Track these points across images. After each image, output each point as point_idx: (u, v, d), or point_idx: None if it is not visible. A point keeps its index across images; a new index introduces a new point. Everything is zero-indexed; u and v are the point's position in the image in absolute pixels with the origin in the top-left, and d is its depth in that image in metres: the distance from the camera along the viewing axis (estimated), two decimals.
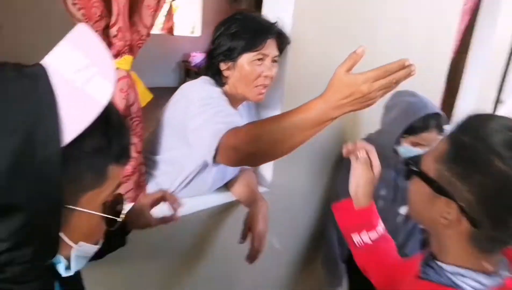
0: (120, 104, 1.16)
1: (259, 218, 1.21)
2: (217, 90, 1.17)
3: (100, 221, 0.52)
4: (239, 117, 1.14)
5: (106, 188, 0.50)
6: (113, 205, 0.54)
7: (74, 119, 0.43)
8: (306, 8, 1.33)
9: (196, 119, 1.07)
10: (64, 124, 0.42)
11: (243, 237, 1.20)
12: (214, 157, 0.98)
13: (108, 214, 0.52)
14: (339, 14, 1.47)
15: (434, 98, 2.35)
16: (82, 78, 0.44)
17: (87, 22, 1.06)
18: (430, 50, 2.10)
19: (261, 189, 1.47)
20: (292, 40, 1.30)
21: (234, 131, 0.96)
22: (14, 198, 0.41)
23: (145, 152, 1.30)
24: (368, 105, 0.79)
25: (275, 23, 1.22)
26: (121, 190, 0.55)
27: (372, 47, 1.66)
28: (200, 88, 1.18)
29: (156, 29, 6.38)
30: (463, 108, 3.00)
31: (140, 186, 1.29)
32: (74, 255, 0.51)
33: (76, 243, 0.50)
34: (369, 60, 1.81)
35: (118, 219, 0.54)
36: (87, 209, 0.49)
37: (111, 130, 0.48)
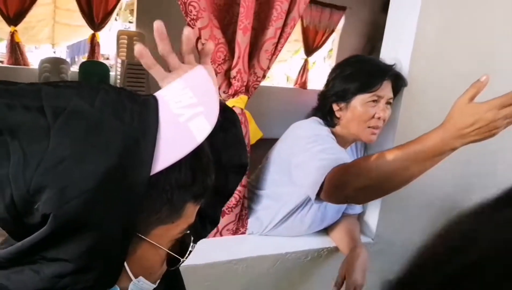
0: None
1: (356, 266, 1.13)
2: (325, 129, 1.19)
3: (164, 259, 0.51)
4: (347, 155, 1.13)
5: (179, 225, 0.48)
6: (180, 244, 0.52)
7: (169, 150, 0.43)
8: (425, 51, 1.27)
9: (302, 155, 1.10)
10: (159, 153, 0.43)
11: (337, 285, 1.13)
12: (318, 194, 0.97)
13: (174, 253, 0.50)
14: (460, 57, 1.36)
15: None
16: (187, 114, 0.46)
17: (212, 64, 1.21)
18: None
19: (364, 239, 1.38)
20: (409, 82, 1.26)
21: (343, 166, 0.96)
22: (91, 217, 0.40)
23: (251, 186, 1.36)
24: (492, 135, 0.75)
25: (392, 65, 1.21)
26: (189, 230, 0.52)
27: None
28: (308, 126, 1.22)
29: (291, 84, 6.76)
30: None
31: (241, 219, 1.35)
32: (130, 289, 0.49)
33: (136, 276, 0.48)
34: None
35: (182, 259, 0.52)
36: (156, 243, 0.47)
37: (198, 169, 0.48)
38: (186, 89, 0.48)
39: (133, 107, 0.43)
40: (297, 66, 6.69)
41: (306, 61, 6.39)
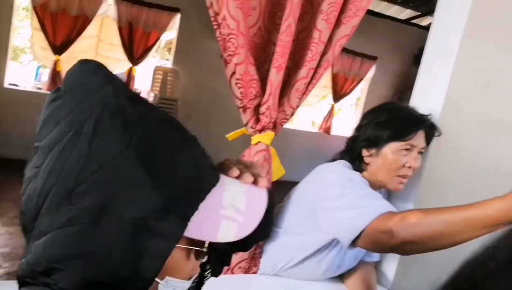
0: None
1: None
2: (357, 174, 1.17)
3: (186, 255, 0.51)
4: (389, 203, 1.09)
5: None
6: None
7: (193, 226, 0.46)
8: (456, 103, 1.28)
9: (338, 200, 1.07)
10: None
11: None
12: (354, 240, 0.96)
13: (192, 246, 0.50)
14: (490, 109, 1.36)
15: None
16: (228, 213, 0.48)
17: (243, 99, 1.24)
18: None
19: (380, 289, 1.32)
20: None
21: (391, 214, 0.93)
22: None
23: None
24: None
25: (428, 115, 1.21)
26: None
27: None
28: (341, 170, 1.19)
29: (315, 128, 6.79)
30: None
31: (254, 258, 1.32)
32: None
33: (161, 278, 0.48)
34: None
35: (203, 250, 0.52)
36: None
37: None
38: (244, 196, 0.51)
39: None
40: (323, 111, 6.76)
41: (332, 107, 6.45)
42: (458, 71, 1.25)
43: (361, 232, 0.95)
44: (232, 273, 1.35)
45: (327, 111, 6.50)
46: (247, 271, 1.38)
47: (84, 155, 0.42)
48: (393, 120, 1.17)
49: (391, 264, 1.35)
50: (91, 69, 0.48)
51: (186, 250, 0.50)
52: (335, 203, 1.06)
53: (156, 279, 0.47)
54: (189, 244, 0.50)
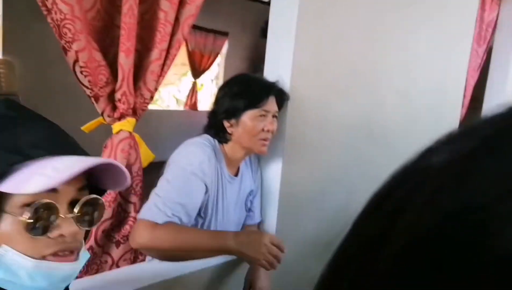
0: (121, 164, 1.20)
1: (261, 273, 1.17)
2: (202, 159, 1.18)
3: (22, 227, 0.53)
4: (188, 200, 1.14)
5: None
6: (37, 210, 0.53)
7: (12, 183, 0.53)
8: (302, 68, 1.40)
9: (162, 182, 1.15)
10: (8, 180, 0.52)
11: None
12: None
13: (31, 220, 0.52)
14: (336, 70, 1.53)
15: None
16: (44, 170, 0.52)
17: (93, 87, 1.16)
18: (438, 105, 2.11)
19: None
20: (291, 97, 1.37)
21: (150, 224, 1.07)
22: None
23: None
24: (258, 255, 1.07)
25: (275, 82, 1.30)
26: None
27: (376, 98, 1.72)
28: (188, 153, 1.21)
29: (181, 106, 6.73)
30: None
31: None
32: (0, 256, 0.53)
33: None
34: (374, 109, 1.84)
35: (23, 218, 0.53)
36: (3, 208, 0.53)
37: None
38: (74, 159, 0.56)
39: None
40: (185, 88, 6.73)
41: (194, 83, 6.46)
42: (300, 41, 1.37)
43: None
44: (118, 266, 1.29)
45: (190, 88, 6.48)
46: (133, 261, 1.33)
47: None
48: (246, 90, 1.25)
49: (271, 221, 1.47)
50: None
51: (20, 223, 0.53)
52: (159, 184, 1.15)
53: None
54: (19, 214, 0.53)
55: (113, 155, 1.23)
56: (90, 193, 0.61)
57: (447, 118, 2.26)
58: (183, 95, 6.97)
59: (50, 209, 0.54)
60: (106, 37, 1.18)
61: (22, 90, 4.65)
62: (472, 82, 2.78)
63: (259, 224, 1.47)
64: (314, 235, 1.66)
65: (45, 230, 0.54)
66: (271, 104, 1.25)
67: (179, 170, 1.15)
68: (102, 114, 1.22)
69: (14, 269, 0.53)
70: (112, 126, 1.25)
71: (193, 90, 6.47)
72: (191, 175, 1.14)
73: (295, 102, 1.38)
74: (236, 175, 1.33)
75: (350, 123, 1.65)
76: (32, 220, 0.53)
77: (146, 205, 1.12)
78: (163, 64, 1.27)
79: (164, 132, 5.74)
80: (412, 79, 1.90)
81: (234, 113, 1.23)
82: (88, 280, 1.11)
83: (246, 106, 1.22)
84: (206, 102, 6.77)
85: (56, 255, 0.56)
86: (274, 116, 1.27)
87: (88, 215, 0.59)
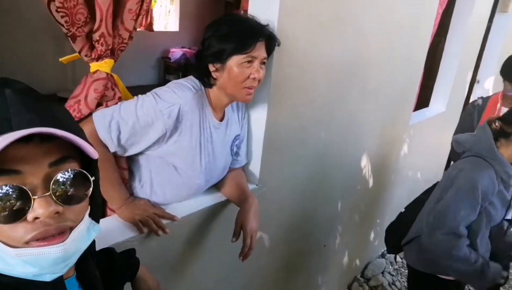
0: (91, 103, 1.17)
1: (250, 215, 1.21)
2: (174, 102, 1.14)
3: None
4: (138, 136, 1.15)
5: None
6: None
7: None
8: (291, 6, 1.32)
9: (129, 103, 1.16)
10: None
11: (235, 236, 1.21)
12: None
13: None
14: (324, 9, 1.47)
15: (414, 81, 2.39)
16: None
17: (70, 27, 1.05)
18: (412, 35, 2.13)
19: (251, 186, 1.47)
20: (278, 37, 1.29)
21: (92, 131, 1.11)
22: None
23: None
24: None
25: (266, 25, 1.22)
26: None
27: (359, 39, 1.70)
28: (165, 92, 1.17)
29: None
30: (441, 90, 3.06)
31: None
32: None
33: None
34: (357, 50, 1.83)
35: (5, 213, 0.49)
36: None
37: None
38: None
39: None
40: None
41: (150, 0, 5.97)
42: None
43: None
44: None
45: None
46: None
47: None
48: (234, 33, 1.16)
49: (256, 164, 1.49)
50: None
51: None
52: (128, 103, 1.16)
53: None
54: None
55: (85, 92, 1.17)
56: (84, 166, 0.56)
57: (418, 52, 2.30)
58: None
59: (16, 193, 0.49)
60: None
61: None
62: (441, 10, 2.79)
63: (244, 166, 1.50)
64: (297, 178, 1.73)
65: (18, 216, 0.49)
66: (260, 50, 1.18)
67: (149, 104, 1.13)
68: (79, 53, 1.14)
69: (3, 257, 0.51)
70: (90, 64, 1.17)
71: (148, 9, 6.01)
72: (156, 113, 1.12)
73: (282, 43, 1.32)
74: (221, 120, 1.30)
75: (334, 63, 1.63)
76: None
77: (106, 109, 1.14)
78: (142, 1, 1.16)
79: (121, 57, 5.38)
80: (394, 10, 1.87)
81: (220, 57, 1.16)
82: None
83: (233, 51, 1.15)
84: (162, 22, 6.35)
85: (41, 239, 0.51)
86: (262, 62, 1.20)
87: (73, 188, 0.53)
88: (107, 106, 1.20)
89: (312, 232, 2.05)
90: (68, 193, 0.53)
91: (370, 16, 1.72)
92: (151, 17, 6.07)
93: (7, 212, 0.49)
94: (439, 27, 2.89)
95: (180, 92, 1.17)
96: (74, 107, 1.17)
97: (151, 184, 1.26)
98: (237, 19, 1.21)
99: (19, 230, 0.50)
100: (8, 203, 0.48)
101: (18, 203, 0.49)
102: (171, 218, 1.22)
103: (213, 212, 1.36)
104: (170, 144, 1.19)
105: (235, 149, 1.39)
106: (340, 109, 1.79)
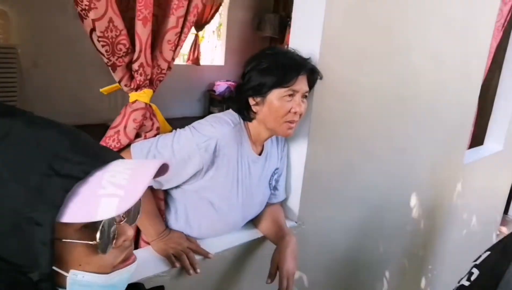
0: (130, 133, 1.17)
1: (287, 255, 1.14)
2: (212, 136, 1.11)
3: (86, 248, 0.51)
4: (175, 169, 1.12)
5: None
6: (92, 228, 0.51)
7: (74, 211, 0.48)
8: (333, 38, 1.29)
9: (166, 138, 1.14)
10: (67, 209, 0.47)
11: (271, 277, 1.13)
12: None
13: (88, 239, 0.50)
14: (368, 41, 1.42)
15: (467, 117, 2.25)
16: (108, 190, 0.48)
17: (110, 57, 1.07)
18: (465, 70, 2.02)
19: (289, 223, 1.39)
20: (320, 68, 1.25)
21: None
22: None
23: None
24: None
25: (307, 59, 1.20)
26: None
27: (407, 72, 1.62)
28: (203, 125, 1.15)
29: (182, 60, 6.53)
30: (497, 127, 2.88)
31: None
32: (69, 283, 0.51)
33: (67, 271, 0.51)
34: (405, 83, 1.74)
35: (95, 242, 0.51)
36: (61, 236, 0.49)
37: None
38: (129, 170, 0.51)
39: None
40: (187, 41, 6.48)
41: (196, 36, 6.22)
42: (330, 5, 1.24)
43: None
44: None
45: (192, 41, 6.25)
46: None
47: None
48: (275, 66, 1.14)
49: (295, 199, 1.42)
50: None
51: (84, 244, 0.51)
52: (165, 137, 1.14)
53: (61, 271, 0.50)
54: (82, 237, 0.50)
55: (124, 122, 1.17)
56: None
57: (471, 87, 2.17)
58: (185, 49, 6.74)
59: (111, 220, 0.53)
60: (123, 1, 1.07)
61: (22, 42, 4.46)
62: (495, 44, 2.65)
63: (283, 201, 1.43)
64: (339, 216, 1.63)
65: (111, 243, 0.53)
66: (301, 83, 1.15)
67: (185, 137, 1.11)
68: (119, 83, 1.15)
69: (88, 288, 0.53)
70: (129, 94, 1.18)
71: (195, 44, 6.25)
72: (192, 147, 1.09)
73: (325, 74, 1.27)
74: (260, 153, 1.26)
75: (381, 96, 1.56)
76: (100, 241, 0.51)
77: (144, 141, 1.15)
78: (180, 33, 1.16)
79: (165, 88, 5.58)
80: (444, 45, 1.78)
81: (260, 90, 1.13)
82: None
83: (274, 84, 1.12)
84: (208, 56, 6.56)
85: (123, 261, 0.56)
86: (304, 96, 1.17)
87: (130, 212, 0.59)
88: (145, 137, 1.20)
89: (356, 276, 1.91)
90: (131, 216, 0.58)
91: (419, 49, 1.64)
92: (198, 52, 6.29)
93: (105, 241, 0.52)
94: (493, 62, 2.74)
95: (218, 126, 1.14)
96: (114, 137, 1.17)
97: (186, 218, 1.22)
98: (278, 52, 1.19)
99: (110, 257, 0.53)
100: (106, 232, 0.52)
101: (112, 230, 0.53)
102: (205, 254, 1.17)
103: (249, 249, 1.30)
104: (206, 179, 1.15)
105: (273, 183, 1.33)
106: (387, 144, 1.69)
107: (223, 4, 6.17)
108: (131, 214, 0.58)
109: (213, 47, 7.25)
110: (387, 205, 1.87)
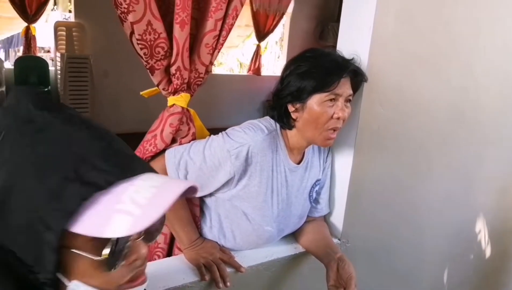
0: (167, 138, 1.15)
1: (352, 277, 1.02)
2: (244, 142, 1.06)
3: (92, 262, 0.49)
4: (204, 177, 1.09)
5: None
6: (102, 242, 0.48)
7: (86, 223, 0.45)
8: (383, 41, 1.18)
9: (199, 144, 1.11)
10: (81, 219, 0.46)
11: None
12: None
13: (96, 253, 0.48)
14: (422, 42, 1.29)
15: None
16: (126, 206, 0.46)
17: (148, 60, 1.07)
18: None
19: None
20: (368, 73, 1.16)
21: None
22: None
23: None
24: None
25: (351, 60, 1.10)
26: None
27: (467, 79, 1.46)
28: (236, 132, 1.10)
29: (244, 71, 6.61)
30: None
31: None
32: None
33: (70, 281, 0.49)
34: (465, 90, 1.55)
35: (102, 258, 0.48)
36: (69, 245, 0.47)
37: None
38: (154, 189, 0.48)
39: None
40: (249, 51, 6.55)
41: (258, 47, 6.26)
42: (381, 6, 1.15)
43: None
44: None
45: (253, 51, 6.31)
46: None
47: None
48: (315, 69, 1.05)
49: (339, 215, 1.32)
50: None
51: (90, 258, 0.48)
52: (199, 144, 1.11)
53: (63, 279, 0.49)
54: (90, 249, 0.48)
55: (161, 126, 1.16)
56: None
57: None
58: (246, 59, 6.83)
59: (124, 238, 0.49)
60: (162, 4, 1.06)
61: (94, 53, 4.80)
62: None
63: (326, 216, 1.33)
64: (388, 235, 1.49)
65: (121, 261, 0.50)
66: (344, 87, 1.05)
67: (217, 144, 1.07)
68: (158, 86, 1.16)
69: None
70: (168, 98, 1.17)
71: (257, 54, 6.29)
72: (223, 153, 1.05)
73: (372, 80, 1.17)
74: (300, 162, 1.18)
75: (437, 106, 1.41)
76: (108, 257, 0.48)
77: (179, 147, 1.14)
78: (219, 36, 1.13)
79: (225, 98, 5.70)
80: (509, 54, 1.58)
81: (300, 96, 1.05)
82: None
83: (314, 89, 1.04)
84: (270, 66, 6.58)
85: (129, 281, 0.53)
86: (347, 100, 1.07)
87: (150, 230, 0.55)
88: (180, 143, 1.18)
89: None
90: (150, 234, 0.55)
91: (481, 54, 1.46)
92: (259, 63, 6.32)
93: (114, 259, 0.49)
94: None
95: (251, 133, 1.09)
96: (151, 141, 1.17)
97: (220, 227, 1.18)
98: (318, 54, 1.10)
99: (116, 274, 0.51)
100: (117, 249, 0.49)
101: (124, 247, 0.50)
102: (237, 267, 1.12)
103: (286, 265, 1.22)
104: (239, 188, 1.10)
105: (314, 195, 1.24)
106: (443, 158, 1.52)
107: (286, 13, 6.16)
108: (150, 232, 0.55)
109: (275, 57, 7.27)
110: (442, 228, 1.67)
